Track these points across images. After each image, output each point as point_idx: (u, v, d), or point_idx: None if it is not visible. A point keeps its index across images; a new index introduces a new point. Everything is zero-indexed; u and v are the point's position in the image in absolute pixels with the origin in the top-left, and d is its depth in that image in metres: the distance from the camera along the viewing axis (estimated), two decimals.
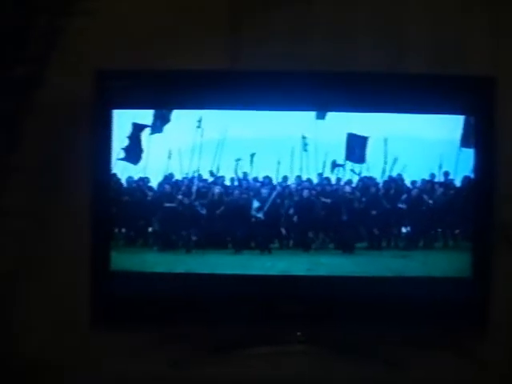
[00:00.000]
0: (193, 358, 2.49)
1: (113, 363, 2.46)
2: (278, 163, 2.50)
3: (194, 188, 2.53)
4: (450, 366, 2.47)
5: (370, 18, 2.67)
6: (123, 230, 2.54)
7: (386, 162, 2.50)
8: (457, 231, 2.51)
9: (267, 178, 2.52)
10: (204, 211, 2.53)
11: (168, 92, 2.50)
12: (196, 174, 2.52)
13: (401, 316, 2.48)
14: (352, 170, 2.52)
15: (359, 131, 2.49)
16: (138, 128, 2.51)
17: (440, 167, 2.49)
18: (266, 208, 2.53)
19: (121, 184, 2.51)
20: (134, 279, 2.50)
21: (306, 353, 2.50)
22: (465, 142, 2.48)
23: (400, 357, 2.47)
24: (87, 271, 2.49)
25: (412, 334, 2.51)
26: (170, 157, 2.50)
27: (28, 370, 2.46)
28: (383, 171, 2.51)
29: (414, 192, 2.52)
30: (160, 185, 2.52)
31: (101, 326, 2.50)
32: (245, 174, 2.52)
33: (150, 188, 2.52)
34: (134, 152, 2.51)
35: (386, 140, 2.48)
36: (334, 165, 2.52)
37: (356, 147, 2.49)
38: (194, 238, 2.53)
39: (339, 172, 2.52)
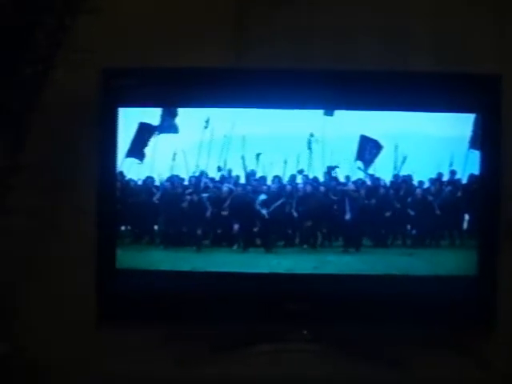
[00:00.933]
0: (197, 357, 2.49)
1: (115, 362, 2.45)
2: (285, 162, 2.50)
3: (201, 186, 2.52)
4: (455, 365, 2.48)
5: (373, 17, 2.67)
6: (129, 228, 2.53)
7: (395, 162, 2.51)
8: (463, 229, 2.51)
9: (276, 176, 2.52)
10: (210, 209, 2.53)
11: (174, 90, 2.50)
12: (203, 173, 2.52)
13: (407, 314, 2.48)
14: (359, 168, 2.53)
15: (368, 130, 2.49)
16: (143, 127, 2.50)
17: (448, 166, 2.50)
18: (273, 206, 2.53)
19: (127, 182, 2.51)
20: (140, 277, 2.50)
21: (311, 351, 2.50)
22: (473, 143, 2.48)
23: (405, 356, 2.48)
24: (91, 270, 2.48)
25: (418, 332, 2.51)
26: (175, 155, 2.50)
27: (28, 370, 2.45)
28: (391, 169, 2.52)
29: (421, 190, 2.52)
30: (166, 183, 2.52)
31: (106, 324, 2.50)
32: (252, 172, 2.52)
33: (157, 186, 2.52)
34: (140, 150, 2.51)
35: (394, 138, 2.49)
36: (329, 168, 2.51)
37: (366, 151, 2.49)
38: (199, 236, 2.52)
39: (336, 173, 2.52)
